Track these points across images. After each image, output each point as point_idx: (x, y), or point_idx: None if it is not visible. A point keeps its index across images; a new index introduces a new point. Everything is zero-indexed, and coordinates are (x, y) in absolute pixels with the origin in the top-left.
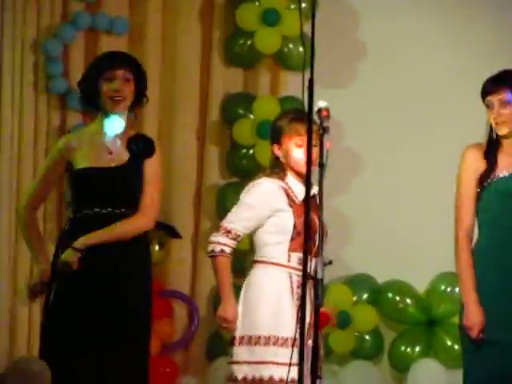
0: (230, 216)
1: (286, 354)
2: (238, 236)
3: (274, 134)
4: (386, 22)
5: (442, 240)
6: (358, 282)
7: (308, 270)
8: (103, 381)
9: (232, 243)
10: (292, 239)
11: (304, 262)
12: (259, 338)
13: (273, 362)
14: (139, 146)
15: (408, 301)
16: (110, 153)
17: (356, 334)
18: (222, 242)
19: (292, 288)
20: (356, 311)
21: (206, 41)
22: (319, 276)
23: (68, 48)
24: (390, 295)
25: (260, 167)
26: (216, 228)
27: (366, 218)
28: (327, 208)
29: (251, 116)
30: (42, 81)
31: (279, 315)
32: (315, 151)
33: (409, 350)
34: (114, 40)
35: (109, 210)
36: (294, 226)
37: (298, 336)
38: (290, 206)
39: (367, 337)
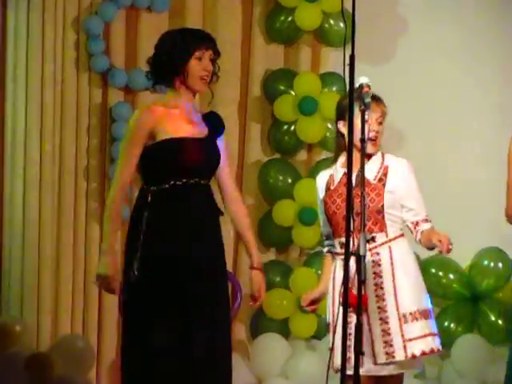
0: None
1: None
2: (326, 236)
3: (339, 112)
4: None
5: (485, 215)
6: None
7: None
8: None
9: (326, 243)
10: (331, 227)
11: (346, 242)
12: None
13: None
14: (215, 122)
15: (451, 276)
16: (192, 124)
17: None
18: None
19: (334, 273)
20: None
21: (246, 17)
22: (361, 252)
23: (109, 26)
24: (433, 271)
25: (302, 143)
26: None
27: None
28: None
29: (292, 92)
30: (84, 58)
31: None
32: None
33: (452, 325)
34: (155, 17)
35: (196, 180)
36: (326, 214)
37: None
38: (326, 191)
39: None
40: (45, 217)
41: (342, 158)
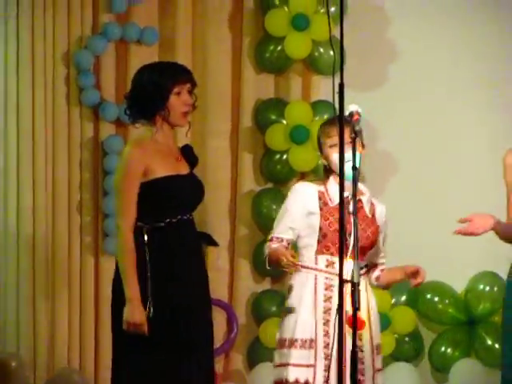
0: (276, 224)
1: (306, 356)
2: (279, 238)
3: (318, 145)
4: (416, 24)
5: (479, 240)
6: (395, 284)
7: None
8: None
9: (278, 244)
10: (318, 242)
11: (340, 266)
12: (285, 340)
13: (292, 364)
14: (191, 156)
15: (447, 301)
16: (179, 160)
17: (395, 336)
18: (268, 245)
19: (316, 290)
20: (395, 313)
21: (236, 48)
22: (355, 280)
23: (99, 59)
24: (429, 296)
25: (294, 172)
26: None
27: (401, 219)
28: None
29: (284, 121)
30: (75, 93)
31: (298, 317)
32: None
33: (449, 350)
34: (145, 50)
35: (187, 215)
36: (320, 229)
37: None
38: (321, 208)
39: (407, 338)
40: (39, 251)
41: (333, 179)
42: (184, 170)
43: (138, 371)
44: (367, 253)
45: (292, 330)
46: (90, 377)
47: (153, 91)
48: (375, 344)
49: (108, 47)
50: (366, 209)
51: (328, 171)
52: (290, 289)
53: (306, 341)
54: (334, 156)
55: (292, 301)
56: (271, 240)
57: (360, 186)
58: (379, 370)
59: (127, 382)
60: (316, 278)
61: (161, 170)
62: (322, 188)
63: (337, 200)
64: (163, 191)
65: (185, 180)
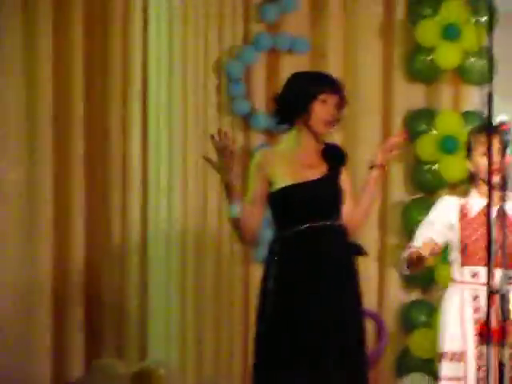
0: (416, 235)
1: (456, 368)
2: (416, 247)
3: (467, 151)
4: None
5: None
6: None
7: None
8: None
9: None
10: (462, 254)
11: (488, 276)
12: (440, 355)
13: (444, 378)
14: (335, 154)
15: None
16: (310, 167)
17: None
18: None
19: (462, 302)
20: None
21: (386, 57)
22: (503, 290)
23: (250, 69)
24: None
25: (444, 182)
26: (402, 245)
27: None
28: None
29: (434, 131)
30: (226, 102)
31: (446, 330)
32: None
33: None
34: (296, 60)
35: (319, 223)
36: (461, 241)
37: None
38: (460, 220)
39: None
40: (188, 257)
41: (475, 191)
42: (316, 174)
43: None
44: None
45: (441, 344)
46: None
47: (298, 94)
48: None
49: (259, 57)
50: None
51: (474, 179)
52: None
53: (455, 353)
54: (481, 162)
55: (441, 314)
56: (409, 247)
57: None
58: None
59: None
60: (462, 290)
61: (279, 181)
62: (463, 201)
63: (476, 210)
64: (282, 201)
65: (307, 187)
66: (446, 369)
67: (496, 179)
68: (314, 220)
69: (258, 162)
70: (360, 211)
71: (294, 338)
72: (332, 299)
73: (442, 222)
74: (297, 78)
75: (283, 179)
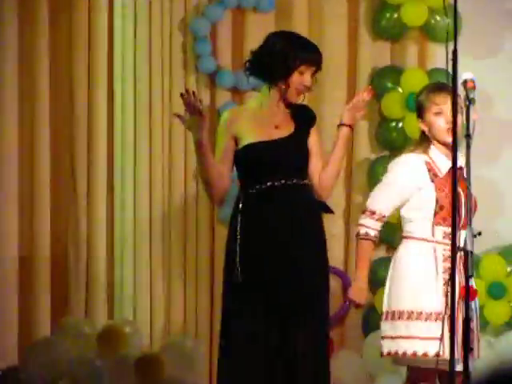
0: (374, 196)
1: (430, 329)
2: (383, 216)
3: (418, 110)
4: None
5: None
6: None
7: (457, 243)
8: (290, 354)
9: (377, 225)
10: (435, 213)
11: (453, 235)
12: (402, 312)
13: (416, 337)
14: (304, 115)
15: None
16: (277, 127)
17: (511, 304)
18: (367, 225)
19: (436, 262)
20: (510, 282)
21: (352, 15)
22: (469, 248)
23: (215, 27)
24: None
25: (410, 140)
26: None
27: None
28: (478, 179)
29: (399, 89)
30: (191, 60)
31: (422, 290)
32: (458, 120)
33: None
34: (261, 17)
35: (282, 182)
36: (436, 201)
37: (446, 309)
38: (432, 180)
39: None
40: (155, 218)
41: (435, 149)
42: (282, 134)
43: (229, 335)
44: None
45: (416, 302)
46: (206, 343)
47: (280, 63)
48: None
49: (224, 14)
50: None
51: (426, 139)
52: (397, 258)
53: (430, 313)
54: (436, 122)
55: (402, 269)
56: (373, 213)
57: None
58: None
59: (223, 343)
60: (435, 250)
61: (246, 138)
62: (427, 159)
63: (444, 171)
64: (247, 159)
65: (273, 145)
66: (424, 328)
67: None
68: (277, 178)
69: (226, 120)
70: (330, 171)
71: (251, 296)
72: (290, 258)
73: (409, 183)
74: (280, 42)
75: (249, 137)
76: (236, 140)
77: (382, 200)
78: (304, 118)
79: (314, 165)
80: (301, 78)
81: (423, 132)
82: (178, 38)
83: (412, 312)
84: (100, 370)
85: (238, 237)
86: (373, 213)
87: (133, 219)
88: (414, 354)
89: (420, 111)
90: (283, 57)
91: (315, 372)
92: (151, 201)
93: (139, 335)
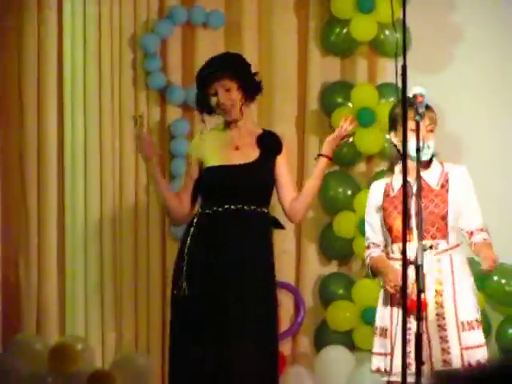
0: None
1: (383, 345)
2: (374, 243)
3: (390, 123)
4: (481, 8)
5: None
6: None
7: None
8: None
9: (377, 250)
10: (389, 232)
11: (403, 250)
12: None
13: (374, 353)
14: (270, 143)
15: None
16: (237, 149)
17: None
18: (366, 255)
19: None
20: None
21: (302, 31)
22: (419, 261)
23: (165, 43)
24: (496, 278)
25: (361, 154)
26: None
27: None
28: None
29: (350, 104)
30: (141, 77)
31: (378, 306)
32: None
33: None
34: (211, 34)
35: (238, 206)
36: (385, 220)
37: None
38: (383, 200)
39: None
40: (106, 233)
41: (399, 167)
42: (243, 159)
43: (174, 352)
44: (446, 227)
45: (376, 319)
46: (158, 360)
47: (197, 96)
48: (462, 321)
49: (174, 31)
50: (433, 182)
51: (397, 154)
52: None
53: (382, 329)
54: (413, 139)
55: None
56: (368, 247)
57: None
58: (470, 348)
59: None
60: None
61: (209, 161)
62: (388, 181)
63: (397, 188)
64: (207, 180)
65: (233, 170)
66: (376, 344)
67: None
68: (232, 203)
69: (193, 147)
70: (303, 201)
71: (197, 316)
72: (230, 280)
73: (373, 212)
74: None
75: (212, 160)
76: (201, 165)
77: (367, 231)
78: (270, 145)
79: (285, 193)
80: (213, 98)
81: (395, 145)
82: (128, 54)
83: (376, 328)
84: None
85: (186, 254)
86: (367, 247)
87: (83, 236)
88: (378, 370)
89: (394, 124)
90: (197, 91)
91: None
92: (102, 215)
93: (91, 352)
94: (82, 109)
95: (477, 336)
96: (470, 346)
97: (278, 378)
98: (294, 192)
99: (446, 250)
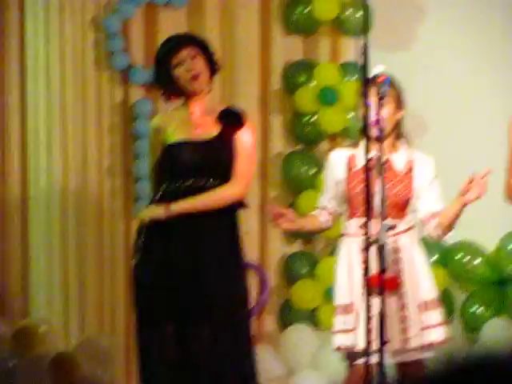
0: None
1: (345, 321)
2: (327, 207)
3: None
4: None
5: None
6: (426, 245)
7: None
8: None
9: (330, 217)
10: (348, 206)
11: (366, 228)
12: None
13: (335, 331)
14: (230, 119)
15: (477, 261)
16: (197, 128)
17: None
18: (316, 213)
19: (350, 254)
20: None
21: (264, 10)
22: (382, 241)
23: (127, 23)
24: (459, 256)
25: (323, 133)
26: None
27: None
28: None
29: (312, 83)
30: (103, 57)
31: (336, 284)
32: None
33: (480, 310)
34: (173, 14)
35: (200, 183)
36: (347, 193)
37: (357, 301)
38: (347, 173)
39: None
40: (70, 215)
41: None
42: (203, 136)
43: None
44: (406, 209)
45: (334, 297)
46: (121, 341)
47: (158, 72)
48: (423, 301)
49: (136, 11)
50: (399, 165)
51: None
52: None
53: (344, 306)
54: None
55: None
56: (321, 209)
57: (398, 143)
58: (431, 327)
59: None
60: (350, 243)
61: (169, 139)
62: (351, 154)
63: (362, 163)
64: (168, 157)
65: (193, 146)
66: (337, 322)
67: (375, 131)
68: (195, 179)
69: (155, 127)
70: None
71: (156, 297)
72: (191, 260)
73: (331, 183)
74: (157, 54)
75: (172, 137)
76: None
77: (321, 195)
78: (230, 120)
79: (235, 166)
80: (178, 69)
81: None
82: (91, 34)
83: (335, 307)
84: (14, 370)
85: (143, 232)
86: (322, 209)
87: (46, 217)
88: (339, 348)
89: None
90: (158, 68)
91: (236, 371)
92: (65, 197)
93: (54, 334)
94: (45, 90)
95: (436, 315)
96: (430, 325)
97: (252, 356)
98: (236, 169)
99: (404, 230)
